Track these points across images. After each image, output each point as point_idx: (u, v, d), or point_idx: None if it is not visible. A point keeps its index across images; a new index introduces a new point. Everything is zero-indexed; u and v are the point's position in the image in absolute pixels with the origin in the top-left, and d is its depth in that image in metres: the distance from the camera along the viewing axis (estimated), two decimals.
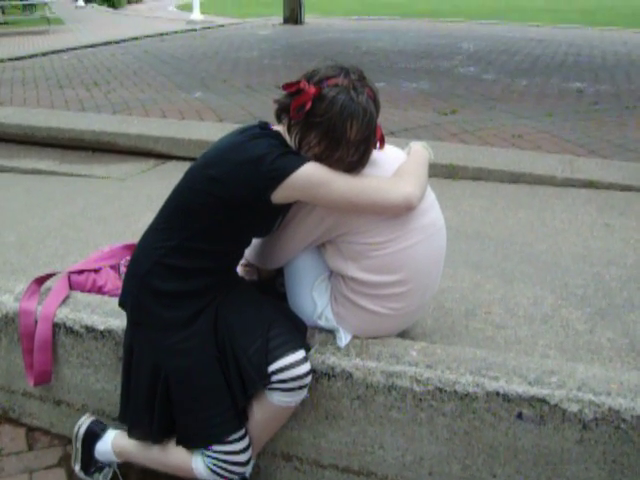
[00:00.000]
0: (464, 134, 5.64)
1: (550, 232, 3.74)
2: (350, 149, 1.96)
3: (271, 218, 2.11)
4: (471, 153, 5.02)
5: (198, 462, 2.17)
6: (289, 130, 2.02)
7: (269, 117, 2.19)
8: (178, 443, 2.19)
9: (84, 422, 2.43)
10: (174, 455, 2.23)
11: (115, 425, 2.43)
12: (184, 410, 2.11)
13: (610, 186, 4.48)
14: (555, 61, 9.98)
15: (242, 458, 2.14)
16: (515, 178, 4.65)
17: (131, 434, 2.26)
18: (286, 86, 1.98)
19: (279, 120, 2.08)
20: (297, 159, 1.97)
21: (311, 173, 1.95)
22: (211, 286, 2.12)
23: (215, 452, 2.12)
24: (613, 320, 2.70)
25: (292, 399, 2.08)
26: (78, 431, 2.41)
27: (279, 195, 1.96)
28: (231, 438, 2.11)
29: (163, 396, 2.10)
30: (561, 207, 4.15)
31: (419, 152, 2.24)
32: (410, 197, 2.01)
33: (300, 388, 2.06)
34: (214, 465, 2.13)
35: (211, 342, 2.10)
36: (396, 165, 2.13)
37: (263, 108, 6.38)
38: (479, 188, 4.56)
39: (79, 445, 2.40)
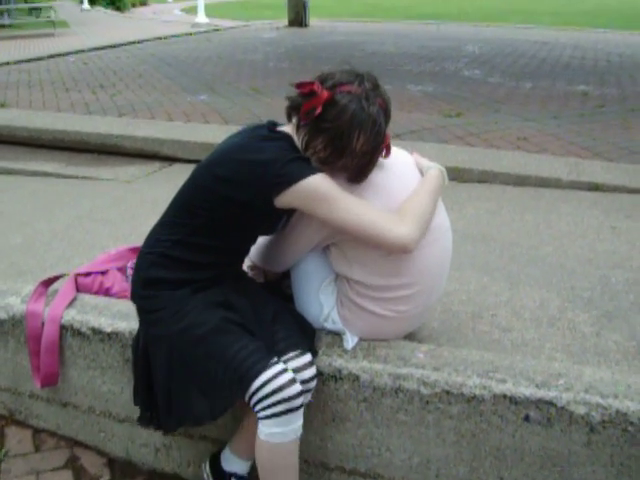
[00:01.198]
0: (469, 137, 5.64)
1: (556, 235, 3.74)
2: (355, 158, 1.95)
3: (274, 219, 2.11)
4: (476, 156, 5.02)
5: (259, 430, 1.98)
6: (297, 130, 2.01)
7: (275, 119, 2.19)
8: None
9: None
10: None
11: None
12: (211, 372, 1.98)
13: (616, 189, 4.47)
14: (560, 64, 9.98)
15: (285, 377, 1.93)
16: (521, 181, 4.65)
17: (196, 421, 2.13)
18: (299, 85, 1.96)
19: (289, 118, 2.06)
20: (306, 168, 1.96)
21: (318, 186, 1.93)
22: (214, 279, 2.12)
23: (259, 387, 1.91)
24: (620, 323, 2.70)
25: None
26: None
27: (283, 200, 1.95)
28: (270, 362, 1.94)
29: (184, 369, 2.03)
30: (567, 210, 4.15)
31: (433, 180, 2.14)
32: (407, 243, 1.96)
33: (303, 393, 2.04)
34: (264, 408, 1.92)
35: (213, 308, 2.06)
36: (403, 169, 2.12)
37: (268, 111, 6.38)
38: (485, 191, 4.55)
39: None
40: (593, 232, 3.77)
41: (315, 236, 2.13)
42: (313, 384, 2.07)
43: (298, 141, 2.02)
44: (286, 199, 1.95)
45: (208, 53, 11.44)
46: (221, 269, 2.14)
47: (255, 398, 1.93)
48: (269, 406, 1.93)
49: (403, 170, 2.14)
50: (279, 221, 2.13)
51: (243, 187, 1.96)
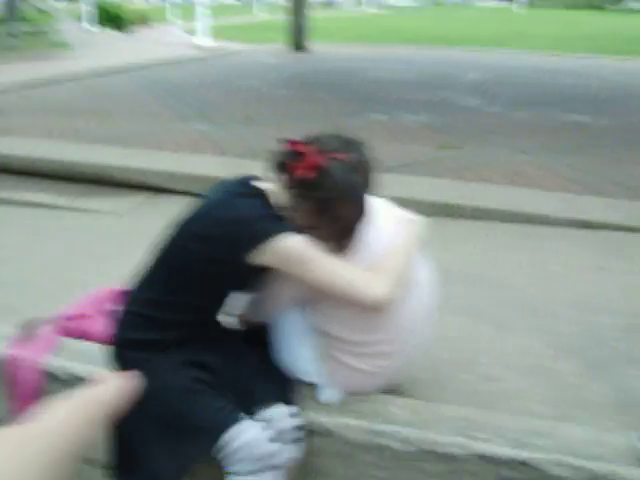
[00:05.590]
0: (463, 170, 5.63)
1: (545, 275, 3.72)
2: (337, 230, 1.96)
3: (246, 276, 2.06)
4: (468, 191, 5.01)
5: None
6: (284, 190, 1.95)
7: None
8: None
9: None
10: None
11: None
12: (179, 432, 1.99)
13: (609, 226, 4.45)
14: (559, 92, 10.01)
15: (254, 432, 1.94)
16: (514, 218, 4.62)
17: None
18: (290, 144, 1.91)
19: (274, 174, 1.98)
20: (280, 226, 1.93)
21: (291, 246, 1.91)
22: (187, 338, 2.10)
23: (227, 442, 1.93)
24: (605, 374, 2.67)
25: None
26: None
27: (255, 258, 1.93)
28: (238, 417, 1.97)
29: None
30: (559, 248, 4.13)
31: (412, 235, 2.14)
32: (380, 301, 1.94)
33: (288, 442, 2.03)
34: (233, 463, 1.94)
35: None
36: (382, 221, 2.10)
37: (261, 140, 6.38)
38: (475, 228, 4.54)
39: None
40: (583, 273, 3.75)
41: (292, 293, 2.12)
42: (294, 436, 2.04)
43: (280, 200, 1.98)
44: (259, 257, 1.92)
45: (209, 78, 11.51)
46: (194, 328, 2.11)
47: (223, 453, 1.93)
48: (239, 461, 1.93)
49: (382, 222, 2.12)
50: (252, 278, 2.10)
51: (215, 243, 1.94)
